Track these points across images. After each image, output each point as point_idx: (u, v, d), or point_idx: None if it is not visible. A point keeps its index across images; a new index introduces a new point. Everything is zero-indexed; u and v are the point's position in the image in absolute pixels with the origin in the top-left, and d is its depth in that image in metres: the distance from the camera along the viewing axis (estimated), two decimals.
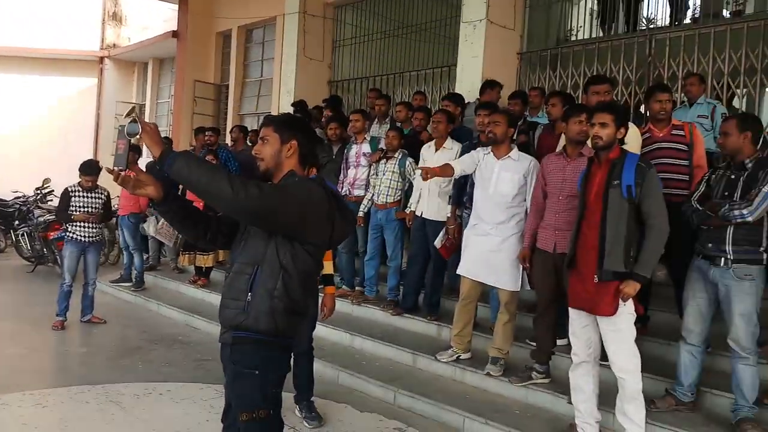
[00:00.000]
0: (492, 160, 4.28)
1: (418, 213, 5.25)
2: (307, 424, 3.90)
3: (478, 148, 4.48)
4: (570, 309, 3.50)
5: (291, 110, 8.72)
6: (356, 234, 5.90)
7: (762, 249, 3.32)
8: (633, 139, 3.93)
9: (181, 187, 6.27)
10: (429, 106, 7.30)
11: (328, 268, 3.82)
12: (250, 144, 8.48)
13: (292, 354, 2.40)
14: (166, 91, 14.41)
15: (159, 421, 3.93)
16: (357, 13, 10.03)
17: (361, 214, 5.70)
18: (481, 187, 4.31)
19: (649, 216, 3.21)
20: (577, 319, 3.47)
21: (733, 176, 3.44)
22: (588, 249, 3.32)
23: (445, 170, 4.38)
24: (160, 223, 7.56)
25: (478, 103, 5.56)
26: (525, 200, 4.22)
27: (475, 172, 4.39)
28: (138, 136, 2.12)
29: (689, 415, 3.59)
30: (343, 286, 6.07)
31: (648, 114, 4.45)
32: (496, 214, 4.23)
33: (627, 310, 3.24)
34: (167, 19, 13.53)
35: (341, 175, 6.05)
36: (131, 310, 6.98)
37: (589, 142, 3.62)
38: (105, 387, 4.44)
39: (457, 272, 4.52)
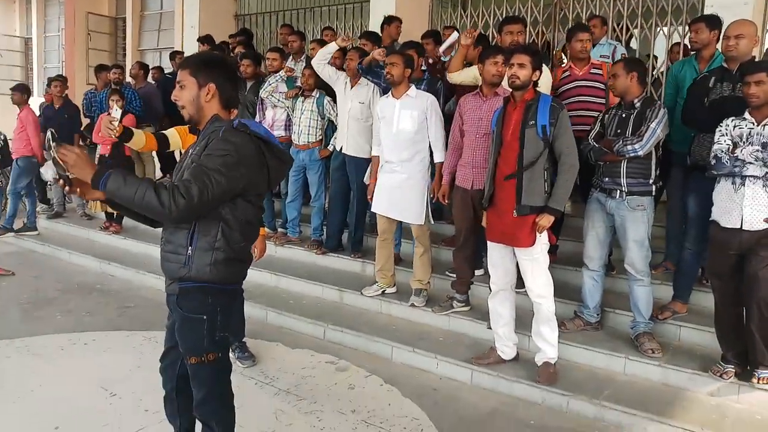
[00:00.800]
0: (392, 100, 4.43)
1: (338, 149, 5.25)
2: (240, 364, 3.95)
3: (380, 100, 4.63)
4: (489, 242, 3.71)
5: (197, 46, 8.35)
6: None
7: (651, 181, 3.65)
8: (544, 81, 4.11)
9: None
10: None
11: None
12: (153, 81, 8.08)
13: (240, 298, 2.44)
14: (54, 24, 13.25)
15: (88, 370, 3.86)
16: None
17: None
18: (385, 127, 4.46)
19: (561, 153, 3.42)
20: (495, 251, 3.68)
21: (624, 115, 3.71)
22: (506, 185, 3.50)
23: None
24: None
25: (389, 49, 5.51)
26: (427, 137, 4.38)
27: (378, 114, 4.56)
28: (67, 175, 2.05)
29: (595, 333, 3.96)
30: (265, 228, 6.04)
31: (568, 53, 4.64)
32: (400, 151, 4.39)
33: (542, 241, 3.48)
34: None
35: (258, 116, 5.92)
36: (40, 260, 6.64)
37: (505, 82, 3.78)
38: (24, 340, 4.28)
39: (372, 210, 4.69)
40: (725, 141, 3.29)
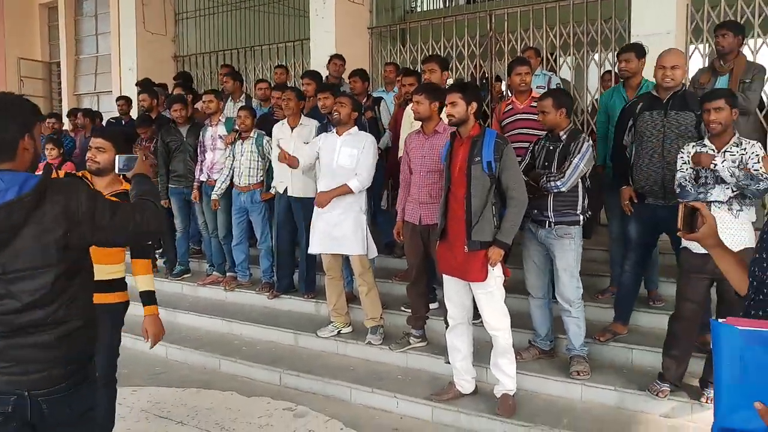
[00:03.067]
0: (334, 137, 4.52)
1: (280, 190, 5.19)
2: None
3: (320, 135, 4.73)
4: (444, 276, 3.70)
5: (135, 90, 8.21)
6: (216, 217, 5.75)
7: (578, 211, 3.71)
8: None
9: None
10: (293, 82, 7.23)
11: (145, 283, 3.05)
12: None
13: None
14: None
15: None
16: None
17: (215, 197, 5.55)
18: (325, 163, 4.51)
19: (508, 188, 3.45)
20: (450, 285, 3.67)
21: (551, 147, 3.79)
22: (456, 221, 3.52)
23: (292, 162, 4.64)
24: None
25: (321, 86, 5.57)
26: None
27: (318, 148, 4.60)
28: None
29: (550, 361, 4.00)
30: (215, 272, 5.92)
31: (506, 85, 4.75)
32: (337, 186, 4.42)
33: (496, 274, 3.49)
34: None
35: (199, 159, 5.82)
36: None
37: (445, 119, 3.84)
38: None
39: (309, 251, 4.70)
40: (687, 168, 3.38)
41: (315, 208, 4.56)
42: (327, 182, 4.47)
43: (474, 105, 3.54)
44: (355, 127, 4.51)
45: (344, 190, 4.38)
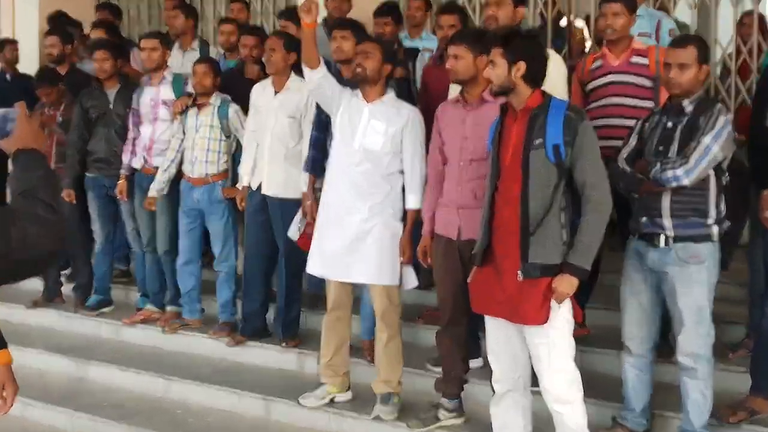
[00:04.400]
0: (360, 103, 4.38)
1: (254, 187, 5.30)
2: None
3: (344, 90, 4.52)
4: (486, 318, 3.74)
5: (37, 30, 8.39)
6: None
7: (711, 221, 3.65)
8: (555, 73, 3.99)
9: None
10: (260, 24, 7.34)
11: None
12: None
13: None
14: None
15: None
16: None
17: (153, 193, 5.67)
18: (343, 141, 4.38)
19: (584, 185, 3.44)
20: (495, 331, 3.69)
21: (670, 124, 3.74)
22: (506, 234, 3.52)
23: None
24: None
25: (334, 22, 5.65)
26: (401, 163, 4.37)
27: (335, 118, 4.46)
28: None
29: None
30: (148, 306, 6.05)
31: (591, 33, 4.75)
32: (361, 180, 4.34)
33: (562, 316, 3.47)
34: None
35: (130, 135, 5.97)
36: None
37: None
38: None
39: (308, 270, 4.64)
40: None
41: (321, 210, 4.50)
42: (345, 173, 4.36)
43: (521, 65, 3.49)
44: (392, 93, 4.44)
45: (413, 217, 4.36)
